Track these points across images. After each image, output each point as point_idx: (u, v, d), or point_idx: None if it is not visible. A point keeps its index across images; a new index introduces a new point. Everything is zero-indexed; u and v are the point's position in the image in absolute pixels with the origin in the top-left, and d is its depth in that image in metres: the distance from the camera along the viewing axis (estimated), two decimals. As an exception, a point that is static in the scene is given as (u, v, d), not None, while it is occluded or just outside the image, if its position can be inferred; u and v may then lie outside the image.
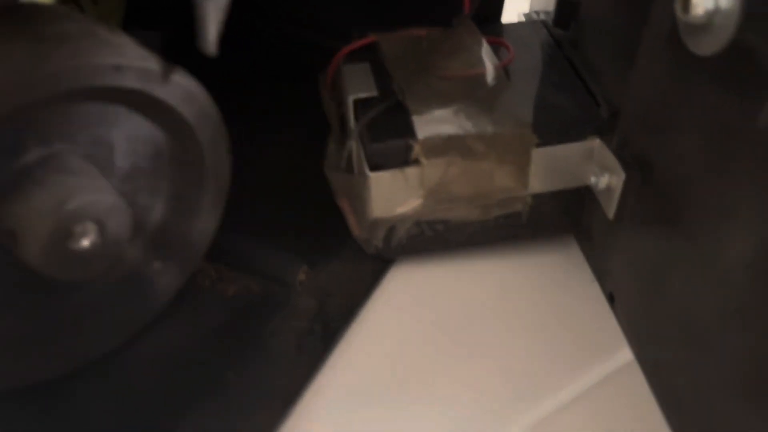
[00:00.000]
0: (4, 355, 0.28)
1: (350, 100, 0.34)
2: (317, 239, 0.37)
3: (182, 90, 0.26)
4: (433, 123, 0.33)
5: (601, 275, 0.37)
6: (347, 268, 0.37)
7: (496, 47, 0.37)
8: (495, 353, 0.34)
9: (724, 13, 0.24)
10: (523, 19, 0.42)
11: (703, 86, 0.26)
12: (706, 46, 0.26)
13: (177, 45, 0.29)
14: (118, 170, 0.28)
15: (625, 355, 0.35)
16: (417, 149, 0.32)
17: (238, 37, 0.47)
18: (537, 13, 0.42)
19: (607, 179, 0.33)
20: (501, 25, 0.41)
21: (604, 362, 0.35)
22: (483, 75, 0.35)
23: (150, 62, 0.25)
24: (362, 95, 0.34)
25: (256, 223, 0.37)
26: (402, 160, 0.33)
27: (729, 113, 0.25)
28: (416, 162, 0.33)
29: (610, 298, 0.36)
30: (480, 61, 0.35)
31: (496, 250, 0.39)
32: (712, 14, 0.25)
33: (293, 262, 0.35)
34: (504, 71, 0.36)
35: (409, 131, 0.32)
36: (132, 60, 0.24)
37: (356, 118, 0.34)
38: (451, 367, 0.34)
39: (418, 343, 0.35)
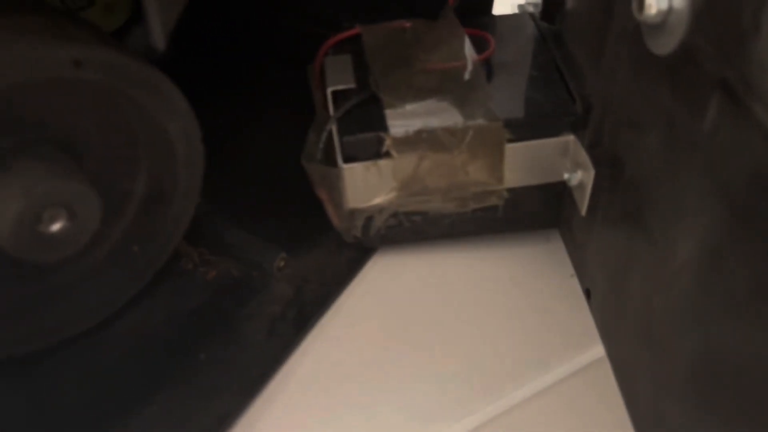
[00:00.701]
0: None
1: (329, 91, 0.35)
2: (299, 227, 0.38)
3: (146, 83, 0.27)
4: (406, 116, 0.33)
5: (579, 270, 0.37)
6: (326, 256, 0.37)
7: (480, 40, 0.37)
8: (466, 343, 0.35)
9: (677, 14, 0.24)
10: (516, 10, 0.42)
11: (659, 86, 0.26)
12: (661, 46, 0.25)
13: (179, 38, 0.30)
14: (90, 157, 0.29)
15: (599, 350, 0.35)
16: (388, 142, 0.32)
17: (232, 26, 0.48)
18: (530, 4, 0.41)
19: (580, 176, 0.33)
20: (492, 16, 0.41)
21: (575, 357, 0.35)
22: (461, 68, 0.35)
23: (111, 55, 0.26)
24: (340, 87, 0.35)
25: (241, 210, 0.38)
26: (374, 152, 0.33)
27: (680, 115, 0.25)
28: (388, 155, 0.33)
29: (587, 294, 0.36)
30: (459, 55, 0.35)
31: (477, 241, 0.39)
32: (666, 14, 0.24)
33: (272, 249, 0.36)
34: (485, 64, 0.36)
35: (382, 124, 0.33)
36: (93, 54, 0.25)
37: (334, 110, 0.34)
38: (421, 356, 0.34)
39: (390, 331, 0.35)
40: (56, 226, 0.27)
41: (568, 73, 0.35)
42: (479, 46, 0.37)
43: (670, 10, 0.24)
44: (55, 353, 0.32)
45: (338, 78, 0.35)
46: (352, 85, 0.35)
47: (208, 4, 0.38)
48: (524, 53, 0.37)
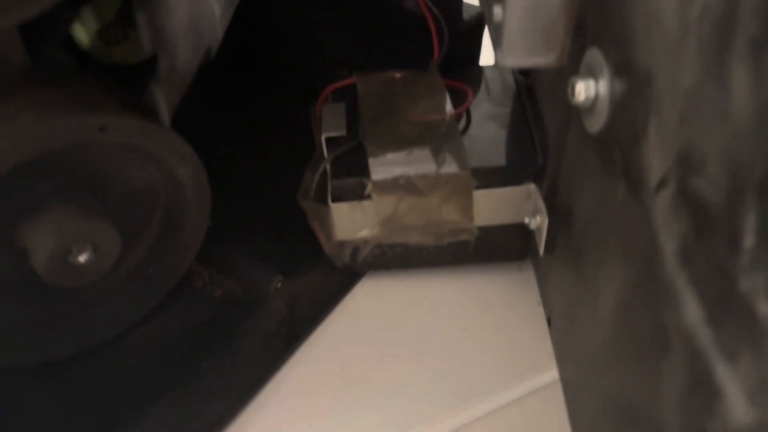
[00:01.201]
0: (19, 336, 0.35)
1: (323, 138, 0.40)
2: (295, 252, 0.43)
3: (161, 140, 0.32)
4: (387, 164, 0.38)
5: (543, 299, 0.42)
6: (318, 278, 0.42)
7: (460, 92, 0.42)
8: (440, 361, 0.40)
9: (601, 102, 0.28)
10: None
11: (591, 158, 0.30)
12: (591, 125, 0.30)
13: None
14: (114, 196, 0.35)
15: (554, 374, 0.39)
16: (370, 187, 0.37)
17: (247, 59, 0.53)
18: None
19: (537, 220, 0.37)
20: (478, 67, 0.45)
21: (533, 379, 0.39)
22: (439, 120, 0.39)
23: (131, 121, 0.31)
24: (333, 134, 0.40)
25: (245, 236, 0.43)
26: (358, 194, 0.38)
27: (603, 187, 0.29)
28: (370, 197, 0.38)
29: (548, 321, 0.40)
30: (439, 107, 0.40)
31: (456, 269, 0.44)
32: (593, 100, 0.29)
33: (270, 271, 0.41)
34: (464, 115, 0.40)
35: (365, 170, 0.37)
36: (115, 120, 0.30)
37: (327, 153, 0.39)
38: (399, 370, 0.39)
39: (374, 348, 0.40)
40: (83, 258, 0.33)
41: (534, 126, 0.39)
42: (459, 97, 0.41)
43: (596, 97, 0.28)
44: (82, 359, 0.37)
45: (332, 125, 0.40)
46: (343, 133, 0.39)
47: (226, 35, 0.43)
48: (501, 104, 0.42)
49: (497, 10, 0.30)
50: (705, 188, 0.20)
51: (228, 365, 0.38)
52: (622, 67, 0.26)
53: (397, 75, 0.43)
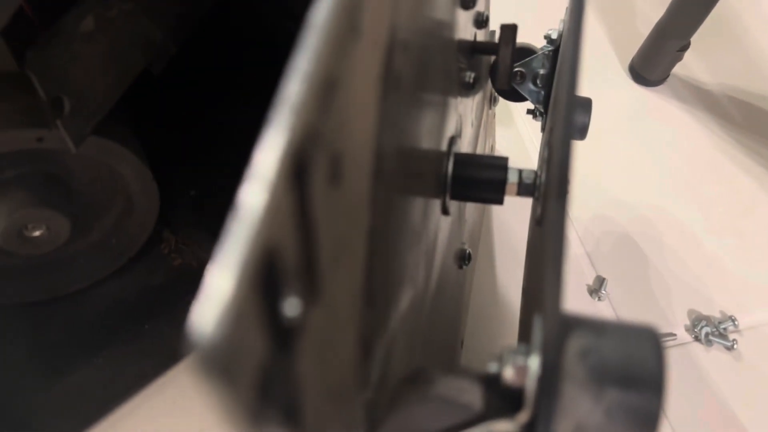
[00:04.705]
0: (3, 280, 0.43)
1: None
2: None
3: (95, 147, 0.37)
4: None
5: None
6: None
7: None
8: None
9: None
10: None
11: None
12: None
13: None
14: (79, 183, 0.41)
15: None
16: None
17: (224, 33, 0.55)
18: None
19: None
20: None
21: None
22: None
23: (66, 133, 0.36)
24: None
25: (219, 212, 0.48)
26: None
27: None
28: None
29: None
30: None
31: None
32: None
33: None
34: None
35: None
36: (50, 133, 0.35)
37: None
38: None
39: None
40: (37, 233, 0.39)
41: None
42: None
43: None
44: (51, 305, 0.45)
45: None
46: None
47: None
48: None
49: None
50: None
51: (166, 331, 0.44)
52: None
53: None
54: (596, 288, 0.54)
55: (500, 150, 0.63)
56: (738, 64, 0.74)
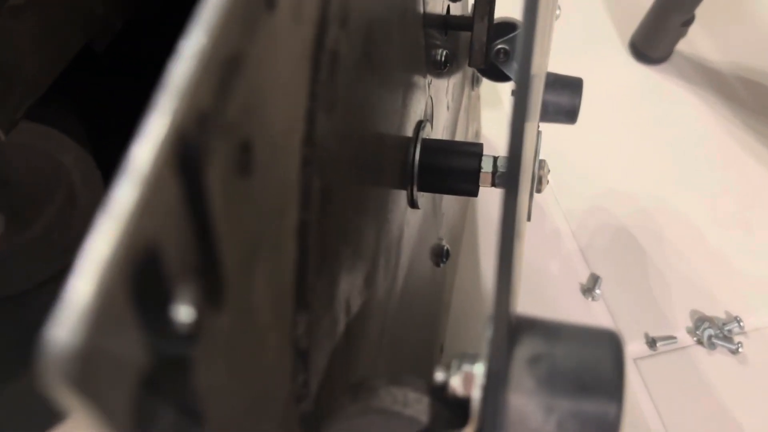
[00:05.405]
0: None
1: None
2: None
3: (29, 132, 0.37)
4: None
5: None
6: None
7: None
8: None
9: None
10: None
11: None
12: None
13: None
14: (19, 176, 0.40)
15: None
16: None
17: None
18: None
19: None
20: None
21: None
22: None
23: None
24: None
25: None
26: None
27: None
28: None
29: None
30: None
31: None
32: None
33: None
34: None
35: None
36: None
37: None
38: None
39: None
40: (-27, 226, 0.39)
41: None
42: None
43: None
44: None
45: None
46: None
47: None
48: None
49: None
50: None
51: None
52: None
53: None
54: (590, 287, 0.54)
55: (486, 135, 0.62)
56: (748, 40, 0.74)
